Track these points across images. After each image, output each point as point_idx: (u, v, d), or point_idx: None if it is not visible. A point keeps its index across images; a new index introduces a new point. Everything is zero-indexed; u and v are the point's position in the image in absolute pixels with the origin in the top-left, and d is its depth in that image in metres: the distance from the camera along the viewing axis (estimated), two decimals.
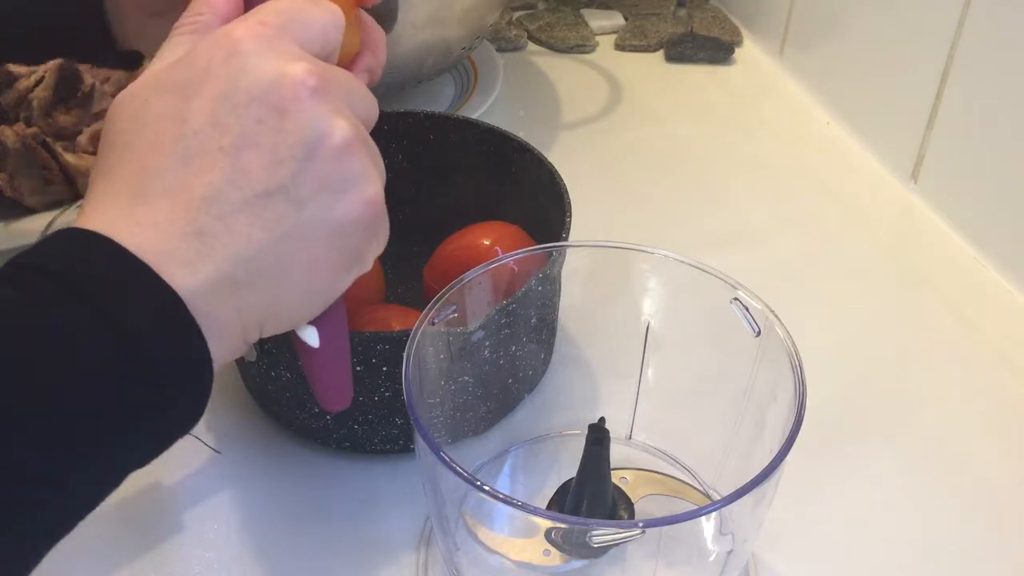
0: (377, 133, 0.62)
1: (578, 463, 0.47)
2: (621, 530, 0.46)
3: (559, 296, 0.57)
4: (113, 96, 0.76)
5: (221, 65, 0.34)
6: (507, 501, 0.39)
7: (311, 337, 0.39)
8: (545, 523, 0.47)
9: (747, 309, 0.46)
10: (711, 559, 0.47)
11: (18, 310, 0.30)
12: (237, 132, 0.34)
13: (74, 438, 0.30)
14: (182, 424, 0.34)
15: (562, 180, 0.58)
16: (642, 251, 0.50)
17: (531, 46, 0.98)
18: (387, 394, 0.51)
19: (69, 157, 0.73)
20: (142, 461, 0.34)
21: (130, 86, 0.36)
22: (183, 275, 0.32)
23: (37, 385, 0.29)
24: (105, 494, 0.33)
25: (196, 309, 0.32)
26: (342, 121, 0.35)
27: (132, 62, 0.53)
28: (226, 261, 0.33)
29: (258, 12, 0.36)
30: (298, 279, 0.35)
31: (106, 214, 0.33)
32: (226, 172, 0.33)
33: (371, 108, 0.39)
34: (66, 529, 0.32)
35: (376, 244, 0.38)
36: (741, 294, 0.47)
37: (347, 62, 0.43)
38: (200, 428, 0.56)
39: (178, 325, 0.32)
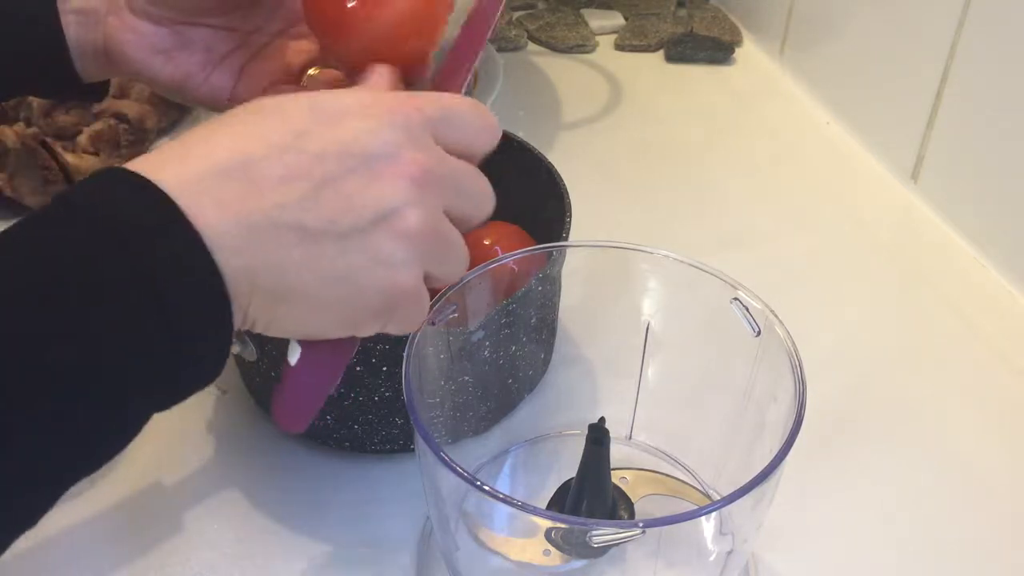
0: None
1: (578, 463, 0.47)
2: (621, 530, 0.46)
3: (559, 296, 0.57)
4: (113, 96, 0.76)
5: (358, 117, 0.37)
6: (507, 501, 0.39)
7: (292, 354, 0.41)
8: (545, 523, 0.47)
9: (747, 309, 0.46)
10: (711, 559, 0.47)
11: (60, 254, 0.32)
12: (332, 171, 0.36)
13: (99, 374, 0.32)
14: (201, 379, 0.36)
15: (562, 180, 0.58)
16: (642, 251, 0.50)
17: (531, 46, 0.98)
18: (387, 394, 0.51)
19: (69, 157, 0.73)
20: (158, 407, 0.35)
21: (282, 94, 0.38)
22: (223, 257, 0.34)
23: (72, 330, 0.31)
24: (127, 436, 0.35)
25: (229, 288, 0.34)
26: (420, 213, 0.37)
27: (96, 94, 0.54)
28: (260, 262, 0.35)
29: (422, 97, 0.39)
30: (302, 310, 0.37)
31: (181, 168, 0.34)
32: (303, 194, 0.35)
33: (481, 205, 0.41)
34: (90, 468, 0.34)
35: (387, 325, 0.40)
36: (741, 294, 0.47)
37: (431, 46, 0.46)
38: (200, 426, 0.56)
39: (212, 293, 0.34)
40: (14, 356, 0.31)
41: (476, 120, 0.41)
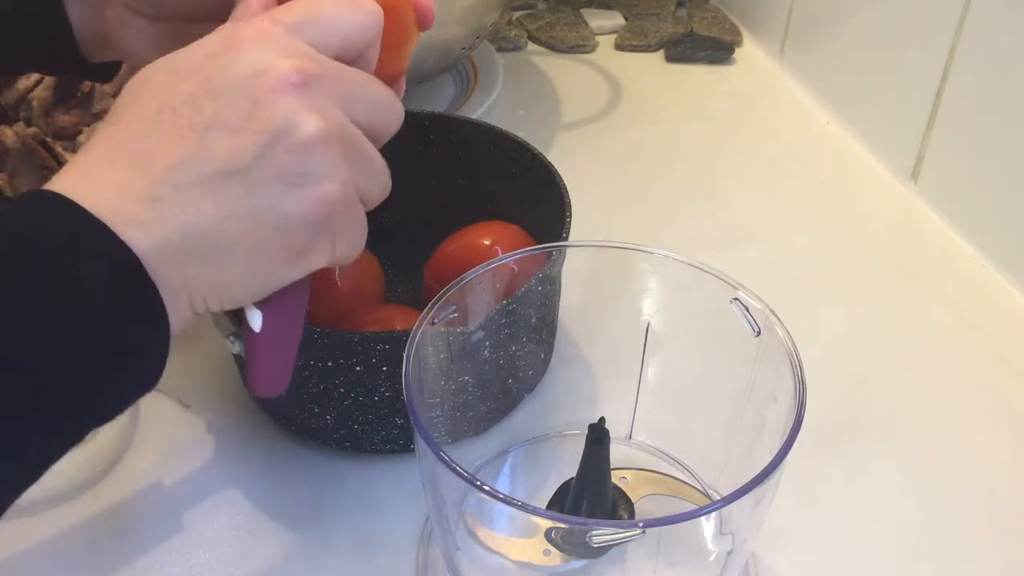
0: None
1: (578, 463, 0.47)
2: (621, 530, 0.46)
3: (559, 296, 0.57)
4: (114, 96, 0.76)
5: (219, 54, 0.36)
6: (507, 501, 0.39)
7: (254, 320, 0.40)
8: (545, 523, 0.47)
9: (747, 309, 0.46)
10: (711, 559, 0.47)
11: None
12: (210, 113, 0.35)
13: (33, 392, 0.31)
14: (143, 383, 0.35)
15: (562, 180, 0.58)
16: (642, 251, 0.50)
17: (531, 46, 0.98)
18: (387, 394, 0.51)
19: (69, 157, 0.73)
20: (98, 421, 0.34)
21: (146, 67, 0.38)
22: (136, 236, 0.33)
23: None
24: (64, 450, 0.34)
25: (148, 268, 0.34)
26: (315, 117, 0.36)
27: (107, 73, 0.54)
28: (176, 230, 0.34)
29: (277, 10, 0.38)
30: (240, 261, 0.36)
31: (73, 175, 0.35)
32: (190, 147, 0.35)
33: (386, 115, 0.39)
34: (23, 485, 0.33)
35: (334, 247, 0.38)
36: (741, 294, 0.47)
37: (397, 64, 0.44)
38: (200, 426, 0.56)
39: (135, 281, 0.33)
40: None
41: (344, 11, 0.38)
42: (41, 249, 0.32)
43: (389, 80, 0.45)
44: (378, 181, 0.39)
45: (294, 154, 0.35)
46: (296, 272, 0.38)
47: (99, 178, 0.34)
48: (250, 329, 0.40)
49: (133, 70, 0.64)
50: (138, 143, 0.35)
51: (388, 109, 0.40)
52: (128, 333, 0.33)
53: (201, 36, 0.47)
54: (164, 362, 0.35)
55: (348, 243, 0.39)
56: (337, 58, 0.38)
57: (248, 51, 0.36)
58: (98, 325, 0.32)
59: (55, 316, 0.31)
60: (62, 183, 0.34)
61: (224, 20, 0.49)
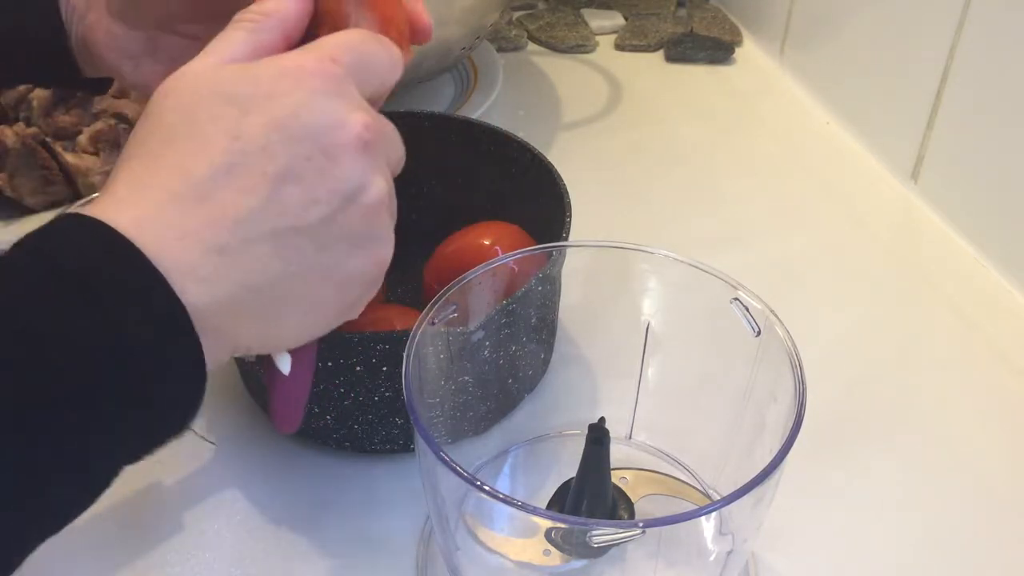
0: None
1: (578, 463, 0.47)
2: (621, 530, 0.46)
3: (559, 296, 0.57)
4: (113, 96, 0.76)
5: (286, 94, 0.34)
6: (507, 501, 0.39)
7: (284, 364, 0.40)
8: (545, 523, 0.47)
9: (747, 309, 0.46)
10: (711, 559, 0.47)
11: (28, 310, 0.30)
12: (284, 163, 0.34)
13: (68, 434, 0.30)
14: (173, 431, 0.35)
15: (562, 180, 0.58)
16: (642, 251, 0.50)
17: (531, 46, 0.98)
18: (387, 394, 0.51)
19: (69, 157, 0.73)
20: (131, 460, 0.34)
21: (184, 73, 0.36)
22: (197, 291, 0.32)
23: (38, 385, 0.30)
24: (97, 493, 0.33)
25: (200, 325, 0.33)
26: (381, 180, 0.36)
27: (100, 86, 0.53)
28: (239, 285, 0.34)
29: (329, 47, 0.37)
30: (297, 315, 0.36)
31: (137, 207, 0.33)
32: (263, 198, 0.34)
33: (402, 157, 0.40)
34: (58, 525, 0.32)
35: (371, 297, 0.39)
36: (741, 294, 0.47)
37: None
38: (200, 427, 0.56)
39: (182, 339, 0.32)
40: None
41: (384, 57, 0.38)
42: (101, 300, 0.31)
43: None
44: (395, 215, 0.40)
45: (362, 217, 0.35)
46: (341, 322, 0.38)
47: (166, 220, 0.33)
48: (278, 372, 0.40)
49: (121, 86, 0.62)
50: (208, 185, 0.33)
51: (403, 150, 0.40)
52: (164, 385, 0.32)
53: (177, 49, 0.45)
54: (197, 409, 0.34)
55: (378, 288, 0.39)
56: (368, 101, 0.38)
57: (318, 96, 0.35)
58: (133, 377, 0.31)
59: (92, 360, 0.31)
60: (121, 215, 0.32)
61: (205, 30, 0.47)
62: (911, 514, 0.53)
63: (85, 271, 0.31)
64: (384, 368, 0.49)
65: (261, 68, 0.36)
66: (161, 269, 0.32)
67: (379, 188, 0.36)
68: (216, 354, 0.34)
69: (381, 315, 0.56)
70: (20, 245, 0.32)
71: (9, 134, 0.71)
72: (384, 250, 0.37)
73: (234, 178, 0.33)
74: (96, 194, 0.34)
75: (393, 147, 0.38)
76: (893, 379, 0.61)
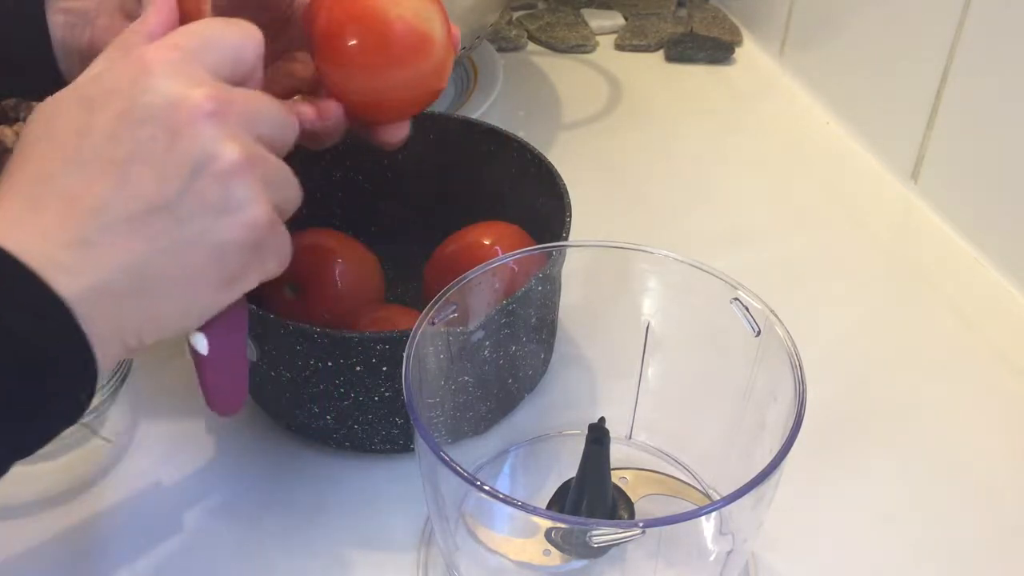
0: None
1: (578, 463, 0.47)
2: (621, 530, 0.46)
3: (559, 296, 0.57)
4: None
5: (128, 84, 0.36)
6: (507, 501, 0.39)
7: (200, 344, 0.40)
8: (545, 523, 0.47)
9: (747, 309, 0.46)
10: (711, 559, 0.47)
11: None
12: (130, 147, 0.35)
13: None
14: (66, 421, 0.36)
15: (562, 180, 0.58)
16: (642, 251, 0.50)
17: (531, 46, 0.98)
18: (387, 394, 0.51)
19: None
20: (22, 455, 0.35)
21: (53, 96, 0.38)
22: (66, 282, 0.34)
23: None
24: None
25: (78, 314, 0.34)
26: (233, 145, 0.36)
27: None
28: (107, 271, 0.35)
29: (174, 35, 0.38)
30: (176, 293, 0.37)
31: (4, 210, 0.35)
32: (115, 184, 0.35)
33: (284, 130, 0.40)
34: None
35: (265, 265, 0.39)
36: (741, 294, 0.47)
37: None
38: (200, 426, 0.56)
39: (62, 328, 0.34)
40: None
41: (232, 35, 0.39)
42: None
43: (420, 104, 0.48)
44: (291, 193, 0.40)
45: (218, 183, 0.36)
46: (231, 295, 0.39)
47: (24, 223, 0.34)
48: (198, 353, 0.41)
49: None
50: (60, 181, 0.35)
51: (285, 123, 0.40)
52: (56, 378, 0.34)
53: None
54: (90, 400, 0.35)
55: (277, 259, 0.40)
56: (228, 81, 0.38)
57: (158, 79, 0.36)
58: (23, 372, 0.33)
59: None
60: None
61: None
62: (911, 514, 0.53)
63: None
64: (384, 368, 0.49)
65: (108, 67, 0.38)
66: (28, 264, 0.33)
67: (231, 153, 0.36)
68: (104, 343, 0.35)
69: (381, 315, 0.56)
70: None
71: (9, 134, 0.71)
72: (249, 212, 0.37)
73: (84, 167, 0.35)
74: None
75: (260, 116, 0.39)
76: (893, 379, 0.61)
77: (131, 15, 0.49)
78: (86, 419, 0.53)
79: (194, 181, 0.35)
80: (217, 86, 0.37)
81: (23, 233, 0.34)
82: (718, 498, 0.39)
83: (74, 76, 0.50)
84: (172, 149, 0.35)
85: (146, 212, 0.35)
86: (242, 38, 0.39)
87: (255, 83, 0.40)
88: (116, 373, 0.53)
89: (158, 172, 0.35)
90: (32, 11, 0.49)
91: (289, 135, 0.41)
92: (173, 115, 0.35)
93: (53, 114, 0.37)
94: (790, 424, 0.40)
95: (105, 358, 0.35)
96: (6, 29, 0.49)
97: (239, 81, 0.39)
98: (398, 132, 0.49)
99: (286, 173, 0.40)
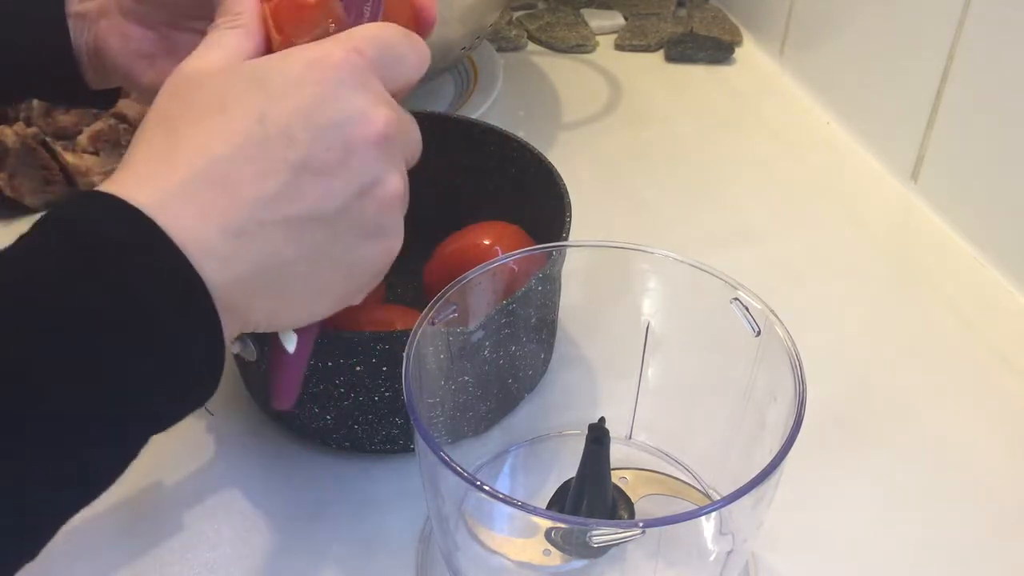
0: None
1: (578, 463, 0.47)
2: (621, 530, 0.46)
3: (559, 296, 0.57)
4: None
5: (314, 83, 0.35)
6: (507, 501, 0.39)
7: (290, 343, 0.41)
8: (545, 523, 0.47)
9: (747, 309, 0.46)
10: (711, 559, 0.47)
11: (53, 286, 0.31)
12: (305, 152, 0.35)
13: (101, 407, 0.32)
14: (195, 403, 0.36)
15: (562, 180, 0.58)
16: (642, 251, 0.50)
17: (531, 46, 0.98)
18: (387, 394, 0.51)
19: (69, 157, 0.73)
20: (158, 430, 0.35)
21: (190, 69, 0.37)
22: (213, 269, 0.33)
23: (65, 360, 0.31)
24: (127, 462, 0.34)
25: (216, 301, 0.34)
26: (397, 175, 0.37)
27: (106, 101, 0.54)
28: (253, 266, 0.35)
29: (356, 39, 0.37)
30: (305, 297, 0.37)
31: (157, 185, 0.34)
32: (281, 184, 0.34)
33: (418, 151, 0.41)
34: (90, 496, 0.33)
35: (376, 284, 0.40)
36: (741, 294, 0.47)
37: None
38: (200, 426, 0.56)
39: (203, 314, 0.34)
40: (5, 387, 0.30)
41: (410, 50, 0.39)
42: (116, 266, 0.32)
43: None
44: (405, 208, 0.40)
45: (376, 209, 0.36)
46: (344, 306, 0.39)
47: (187, 198, 0.33)
48: (282, 350, 0.41)
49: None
50: (228, 166, 0.34)
51: (419, 144, 0.41)
52: (189, 358, 0.33)
53: (193, 46, 0.46)
54: (218, 381, 0.35)
55: (383, 273, 0.40)
56: (392, 94, 0.38)
57: (344, 88, 0.35)
58: (158, 347, 0.32)
59: (121, 337, 0.31)
60: (142, 192, 0.33)
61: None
62: (911, 514, 0.53)
63: (107, 249, 0.32)
64: (384, 368, 0.49)
65: (290, 57, 0.36)
66: (180, 248, 0.33)
67: (395, 182, 0.37)
68: (230, 330, 0.35)
69: (381, 315, 0.56)
70: (43, 222, 0.33)
71: (9, 134, 0.71)
72: (393, 241, 0.38)
73: (255, 161, 0.34)
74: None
75: (412, 141, 0.40)
76: (893, 379, 0.61)
77: (130, 13, 0.49)
78: None
79: (357, 201, 0.36)
80: (393, 107, 0.37)
81: (183, 208, 0.33)
82: (718, 498, 0.39)
83: (92, 81, 0.50)
84: (345, 166, 0.35)
85: (305, 219, 0.35)
86: (417, 56, 0.39)
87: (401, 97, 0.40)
88: None
89: (326, 185, 0.35)
90: (54, 15, 0.48)
91: (417, 154, 0.41)
92: (353, 131, 0.35)
93: (224, 84, 0.35)
94: (790, 424, 0.40)
95: (228, 340, 0.35)
96: (33, 33, 0.49)
97: (396, 94, 0.39)
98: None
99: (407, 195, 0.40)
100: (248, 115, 0.35)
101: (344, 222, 0.36)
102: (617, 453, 0.48)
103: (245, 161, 0.34)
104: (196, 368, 0.34)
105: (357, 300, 0.40)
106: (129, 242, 0.32)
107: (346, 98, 0.35)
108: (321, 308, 0.39)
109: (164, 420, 0.35)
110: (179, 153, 0.34)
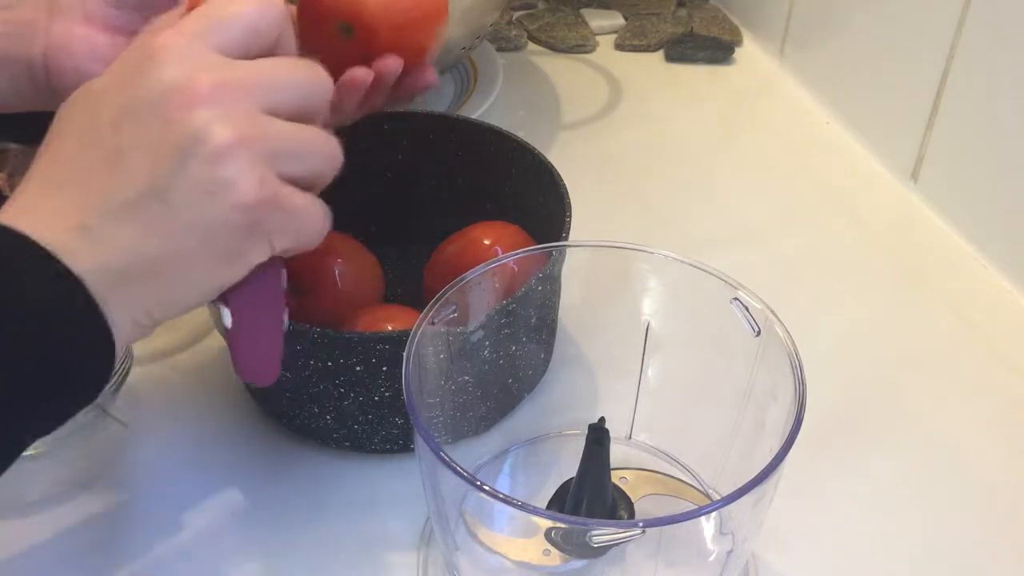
0: (378, 133, 0.63)
1: (578, 463, 0.47)
2: (621, 530, 0.46)
3: (559, 296, 0.57)
4: None
5: (134, 72, 0.37)
6: (507, 501, 0.39)
7: (225, 318, 0.41)
8: (545, 523, 0.47)
9: (747, 309, 0.46)
10: (711, 559, 0.47)
11: None
12: (129, 135, 0.36)
13: None
14: (84, 399, 0.37)
15: (562, 180, 0.58)
16: (642, 251, 0.50)
17: (531, 46, 0.98)
18: (387, 394, 0.51)
19: None
20: (40, 434, 0.36)
21: (77, 90, 0.39)
22: (71, 263, 0.35)
23: None
24: (6, 464, 0.35)
25: (92, 290, 0.35)
26: (223, 125, 0.36)
27: (17, 132, 0.54)
28: (107, 254, 0.36)
29: (184, 19, 0.38)
30: (176, 274, 0.37)
31: (18, 201, 0.37)
32: (113, 172, 0.36)
33: (310, 91, 0.40)
34: None
35: (267, 241, 0.39)
36: (741, 294, 0.47)
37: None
38: (200, 426, 0.56)
39: (79, 302, 0.35)
40: None
41: (245, 8, 0.38)
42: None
43: (414, 57, 0.46)
44: (317, 159, 0.40)
45: (207, 166, 0.36)
46: (236, 272, 0.39)
47: (37, 207, 0.36)
48: (223, 326, 0.41)
49: None
50: (70, 167, 0.37)
51: (310, 84, 0.40)
52: (75, 351, 0.35)
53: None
54: (108, 376, 0.37)
55: (294, 232, 0.39)
56: (246, 56, 0.38)
57: (160, 66, 0.37)
58: (43, 347, 0.34)
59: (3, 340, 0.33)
60: (7, 211, 0.36)
61: None
62: (911, 514, 0.53)
63: None
64: (384, 368, 0.49)
65: (120, 57, 0.39)
66: (42, 243, 0.35)
67: (221, 134, 0.36)
68: (119, 327, 0.36)
69: (381, 315, 0.56)
70: None
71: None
72: (240, 193, 0.37)
73: (90, 155, 0.37)
74: None
75: (270, 81, 0.38)
76: (893, 379, 0.61)
77: (95, 18, 0.47)
78: (91, 413, 0.53)
79: (184, 166, 0.36)
80: (220, 66, 0.37)
81: (34, 217, 0.36)
82: (718, 498, 0.39)
83: (21, 88, 0.49)
84: (164, 136, 0.36)
85: (141, 199, 0.36)
86: (257, 8, 0.39)
87: (285, 50, 0.40)
88: (117, 372, 0.53)
89: (151, 160, 0.36)
90: None
91: (319, 95, 0.40)
92: (167, 102, 0.36)
93: (71, 107, 0.39)
94: (790, 424, 0.40)
95: (118, 337, 0.36)
96: None
97: (262, 53, 0.39)
98: (428, 75, 0.48)
99: (307, 140, 0.39)
100: (83, 117, 0.38)
101: (178, 189, 0.36)
102: (617, 453, 0.48)
103: (82, 158, 0.37)
104: (80, 356, 0.35)
105: (241, 267, 0.39)
106: None
107: (160, 75, 0.36)
108: (204, 280, 0.38)
109: (48, 418, 0.36)
110: (37, 168, 0.38)
